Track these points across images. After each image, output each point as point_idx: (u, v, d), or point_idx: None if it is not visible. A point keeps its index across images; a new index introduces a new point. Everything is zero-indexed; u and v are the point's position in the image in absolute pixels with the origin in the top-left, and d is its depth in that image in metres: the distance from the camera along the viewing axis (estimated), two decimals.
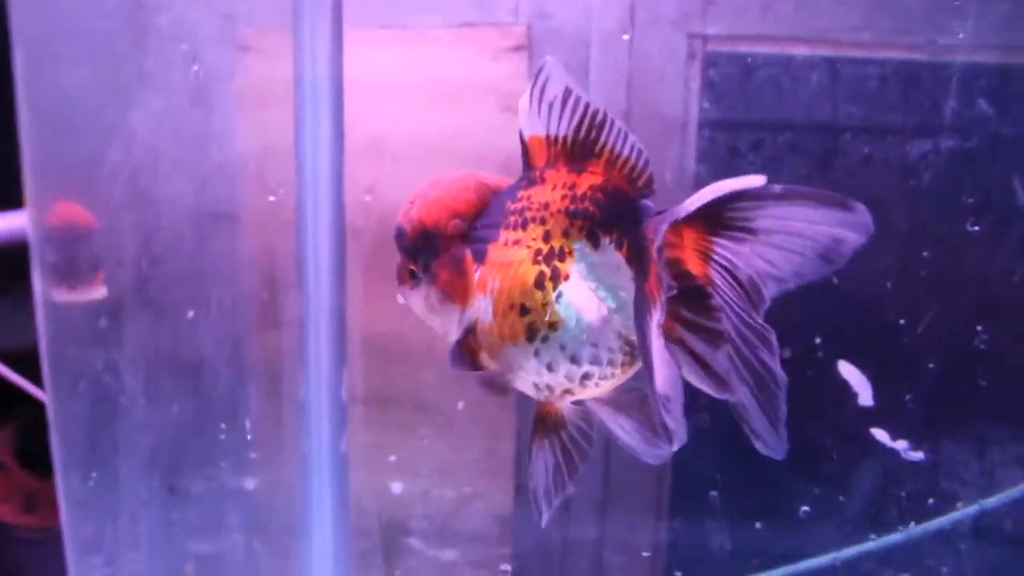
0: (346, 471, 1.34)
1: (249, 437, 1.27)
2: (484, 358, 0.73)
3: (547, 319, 0.67)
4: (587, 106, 0.67)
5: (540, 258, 0.68)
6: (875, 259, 1.27)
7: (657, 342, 0.61)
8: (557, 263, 0.68)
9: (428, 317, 0.77)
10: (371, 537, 1.42)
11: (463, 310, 0.73)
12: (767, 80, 1.27)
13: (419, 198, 0.75)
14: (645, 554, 1.35)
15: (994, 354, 1.25)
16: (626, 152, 0.66)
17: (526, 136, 0.69)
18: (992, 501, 1.30)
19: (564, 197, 0.68)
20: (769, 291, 0.65)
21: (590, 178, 0.67)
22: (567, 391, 0.70)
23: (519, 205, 0.69)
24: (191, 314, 1.23)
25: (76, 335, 1.07)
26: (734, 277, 0.64)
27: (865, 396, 1.26)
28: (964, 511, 1.30)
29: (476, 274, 0.71)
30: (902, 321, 1.26)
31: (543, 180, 0.69)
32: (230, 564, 1.28)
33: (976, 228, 1.24)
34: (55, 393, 0.97)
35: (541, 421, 0.73)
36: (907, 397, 1.27)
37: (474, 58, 1.33)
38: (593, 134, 0.67)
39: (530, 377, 0.70)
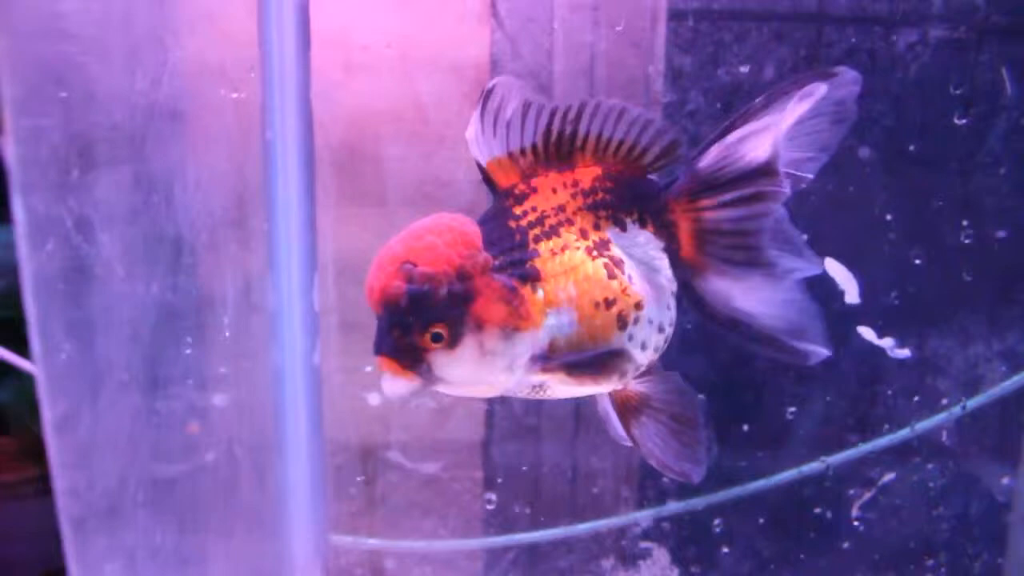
0: (319, 383, 1.30)
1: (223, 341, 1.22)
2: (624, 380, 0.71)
3: (632, 302, 0.69)
4: (553, 110, 0.68)
5: (596, 253, 0.69)
6: (860, 154, 1.25)
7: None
8: (608, 252, 0.69)
9: (479, 373, 0.68)
10: (349, 451, 1.38)
11: (533, 336, 0.67)
12: None
13: (399, 257, 0.66)
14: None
15: (979, 249, 1.24)
16: (620, 134, 0.68)
17: (483, 162, 0.69)
18: (978, 399, 1.29)
19: (575, 196, 0.69)
20: (808, 170, 0.70)
21: (588, 171, 0.69)
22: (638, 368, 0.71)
23: (529, 219, 0.69)
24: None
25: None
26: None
27: (852, 294, 1.24)
28: (948, 413, 1.30)
29: (538, 293, 0.67)
30: (888, 217, 1.25)
31: (535, 190, 0.69)
32: (206, 479, 1.23)
33: (963, 121, 1.22)
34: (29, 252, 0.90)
35: (627, 409, 0.72)
36: (893, 294, 1.26)
37: None
38: (568, 130, 0.68)
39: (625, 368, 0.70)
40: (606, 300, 0.68)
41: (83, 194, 0.96)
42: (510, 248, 0.68)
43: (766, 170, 0.67)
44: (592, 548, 1.33)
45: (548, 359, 0.68)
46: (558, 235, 0.69)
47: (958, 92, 1.21)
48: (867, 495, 1.29)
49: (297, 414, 1.28)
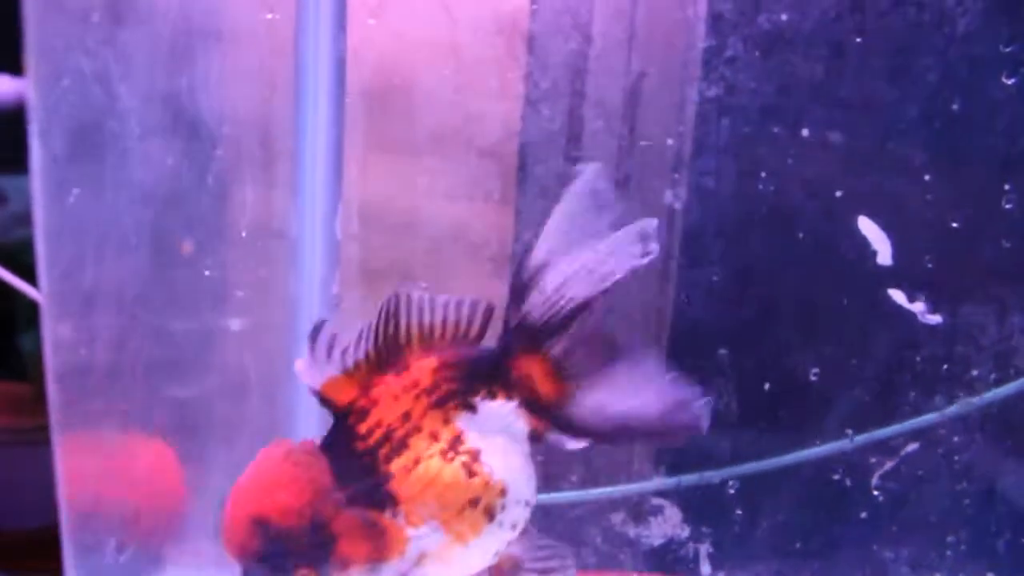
0: (336, 313, 1.29)
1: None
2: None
3: (496, 491, 0.67)
4: (378, 317, 0.66)
5: (451, 454, 0.67)
6: (899, 112, 1.22)
7: None
8: (463, 447, 0.67)
9: None
10: None
11: (400, 561, 0.67)
12: None
13: (251, 515, 0.64)
14: None
15: (1020, 214, 1.20)
16: (439, 317, 0.67)
17: (318, 387, 0.67)
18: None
19: (418, 397, 0.67)
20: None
21: (425, 365, 0.67)
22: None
23: (376, 437, 0.67)
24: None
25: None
26: None
27: (884, 254, 1.21)
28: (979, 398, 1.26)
29: (399, 518, 0.66)
30: (927, 177, 1.21)
31: (376, 402, 0.67)
32: (214, 406, 1.22)
33: (1011, 80, 1.18)
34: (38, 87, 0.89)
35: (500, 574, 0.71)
36: (927, 258, 1.22)
37: None
38: (391, 330, 0.67)
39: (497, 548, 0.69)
40: (470, 501, 0.67)
41: (102, 39, 0.95)
42: (362, 476, 0.67)
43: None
44: (603, 502, 1.30)
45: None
46: (408, 447, 0.67)
47: (1008, 50, 1.17)
48: (888, 464, 1.25)
49: None
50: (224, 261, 1.21)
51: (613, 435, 0.69)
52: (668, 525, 1.28)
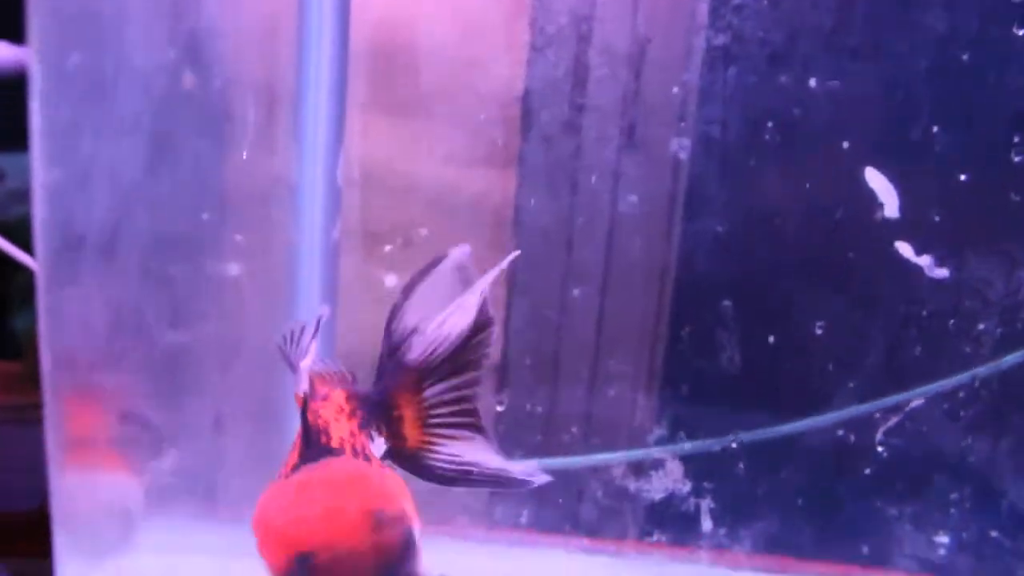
0: (336, 260, 1.28)
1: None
2: None
3: None
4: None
5: None
6: (908, 62, 1.20)
7: None
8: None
9: None
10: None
11: None
12: None
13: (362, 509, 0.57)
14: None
15: None
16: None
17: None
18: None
19: (348, 420, 0.68)
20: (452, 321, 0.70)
21: (337, 395, 0.69)
22: None
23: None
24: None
25: None
26: None
27: (891, 206, 1.20)
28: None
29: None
30: (935, 128, 1.20)
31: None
32: (209, 351, 1.21)
33: (1023, 32, 1.17)
34: None
35: None
36: (934, 210, 1.21)
37: None
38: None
39: None
40: None
41: None
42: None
43: (477, 327, 0.70)
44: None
45: None
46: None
47: (1021, 1, 1.16)
48: (893, 420, 1.24)
49: (311, 289, 1.26)
50: (223, 206, 1.20)
51: (455, 480, 0.72)
52: (669, 479, 1.27)
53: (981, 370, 1.23)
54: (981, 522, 1.26)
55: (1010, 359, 1.23)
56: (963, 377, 1.23)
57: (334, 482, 0.59)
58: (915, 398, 1.24)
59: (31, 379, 1.39)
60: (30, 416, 1.54)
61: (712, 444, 1.27)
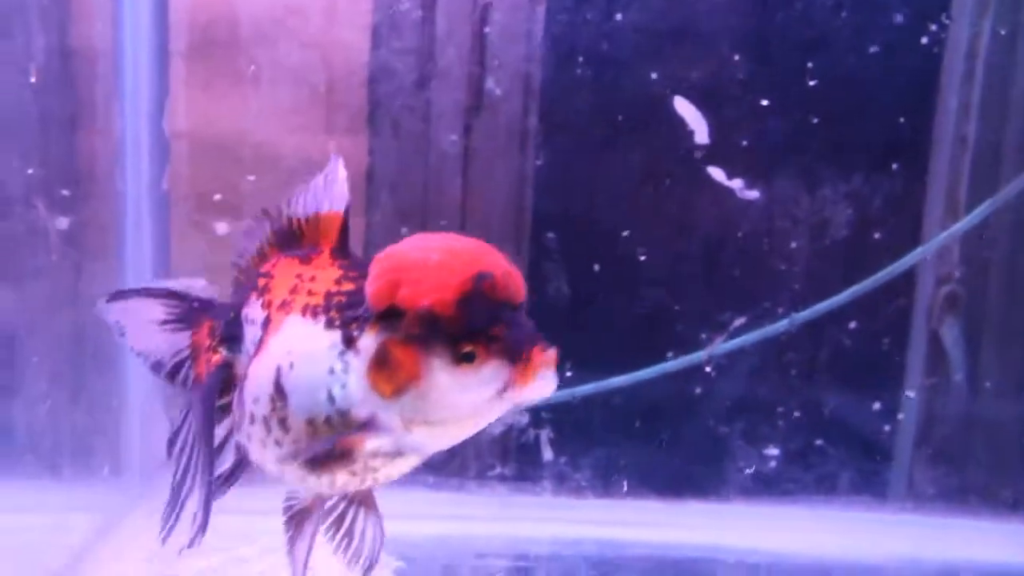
0: (166, 211, 1.28)
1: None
2: None
3: None
4: None
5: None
6: None
7: None
8: None
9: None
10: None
11: None
12: None
13: (482, 251, 0.62)
14: None
15: (824, 93, 1.26)
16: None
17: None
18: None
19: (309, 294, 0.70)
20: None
21: (328, 273, 0.71)
22: None
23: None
24: None
25: None
26: None
27: (701, 133, 1.26)
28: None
29: None
30: (736, 57, 1.26)
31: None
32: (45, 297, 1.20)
33: None
34: None
35: None
36: (742, 135, 1.27)
37: None
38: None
39: None
40: None
41: None
42: None
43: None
44: None
45: None
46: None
47: None
48: (718, 340, 1.28)
49: (142, 255, 1.27)
50: (48, 159, 1.20)
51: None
52: (507, 413, 1.29)
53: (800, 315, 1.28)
54: (807, 433, 1.31)
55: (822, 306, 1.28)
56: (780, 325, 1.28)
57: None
58: (745, 344, 1.28)
59: None
60: None
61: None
